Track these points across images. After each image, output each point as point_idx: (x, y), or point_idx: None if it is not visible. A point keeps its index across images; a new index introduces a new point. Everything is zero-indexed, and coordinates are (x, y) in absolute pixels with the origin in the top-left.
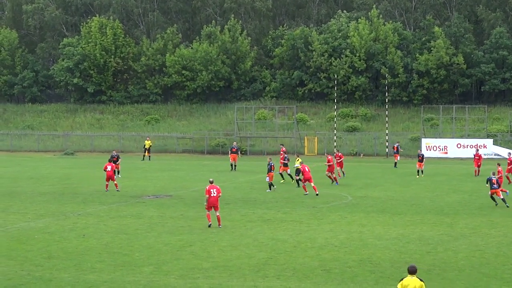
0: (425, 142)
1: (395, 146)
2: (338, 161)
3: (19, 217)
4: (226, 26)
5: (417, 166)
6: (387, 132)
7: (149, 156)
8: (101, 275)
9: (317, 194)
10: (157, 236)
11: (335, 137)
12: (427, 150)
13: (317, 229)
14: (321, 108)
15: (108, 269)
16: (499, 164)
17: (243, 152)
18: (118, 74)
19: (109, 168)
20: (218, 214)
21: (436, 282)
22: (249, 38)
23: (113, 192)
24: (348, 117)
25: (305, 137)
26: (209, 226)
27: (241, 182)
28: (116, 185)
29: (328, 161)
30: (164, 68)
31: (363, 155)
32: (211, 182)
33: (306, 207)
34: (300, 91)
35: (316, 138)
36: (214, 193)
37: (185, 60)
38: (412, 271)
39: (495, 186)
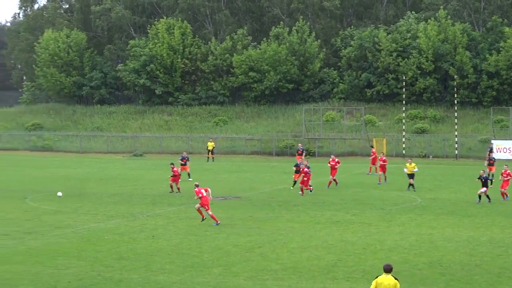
0: (495, 144)
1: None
2: (382, 164)
3: (89, 218)
4: (294, 28)
5: (487, 170)
6: (456, 134)
7: (213, 158)
8: (170, 276)
9: None
10: (226, 238)
11: (403, 138)
12: (497, 152)
13: (386, 231)
14: (390, 110)
15: (178, 270)
16: (506, 166)
17: (311, 153)
18: (186, 75)
19: (176, 170)
20: (211, 213)
21: (507, 285)
22: (318, 40)
23: (181, 194)
24: (416, 118)
25: (374, 139)
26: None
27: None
28: (178, 188)
29: (334, 162)
30: (231, 69)
31: (432, 156)
32: (197, 186)
33: (375, 209)
34: (369, 92)
35: (384, 139)
36: (205, 193)
37: (253, 61)
38: (387, 269)
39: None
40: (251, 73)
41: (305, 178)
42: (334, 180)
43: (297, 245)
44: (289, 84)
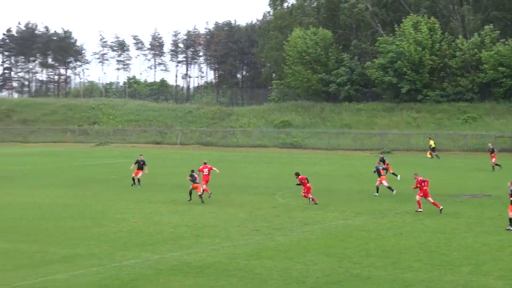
0: None
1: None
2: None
3: (337, 214)
4: None
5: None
6: None
7: (436, 155)
8: (418, 274)
9: None
10: (475, 236)
11: None
12: None
13: None
14: None
15: (426, 268)
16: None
17: None
18: (434, 72)
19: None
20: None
21: None
22: None
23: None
24: None
25: None
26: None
27: None
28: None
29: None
30: (480, 65)
31: None
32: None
33: None
34: None
35: None
36: (206, 172)
37: (503, 57)
38: None
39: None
40: (500, 68)
41: None
42: None
43: None
44: None
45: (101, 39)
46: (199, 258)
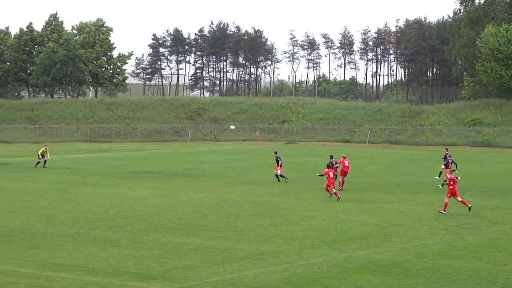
0: None
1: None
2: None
3: None
4: None
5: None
6: None
7: None
8: None
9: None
10: None
11: None
12: None
13: None
14: None
15: None
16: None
17: None
18: None
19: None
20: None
21: None
22: None
23: None
24: None
25: None
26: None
27: None
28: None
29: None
30: None
31: None
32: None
33: None
34: None
35: None
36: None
37: None
38: None
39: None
40: None
41: None
42: None
43: None
44: None
45: (291, 38)
46: (387, 257)
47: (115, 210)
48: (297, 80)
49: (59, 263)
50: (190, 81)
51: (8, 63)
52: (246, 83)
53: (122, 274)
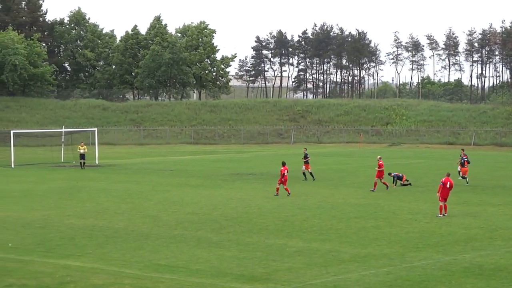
0: None
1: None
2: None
3: None
4: None
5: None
6: None
7: None
8: None
9: None
10: None
11: None
12: None
13: None
14: None
15: None
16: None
17: None
18: None
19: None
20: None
21: None
22: None
23: None
24: None
25: None
26: None
27: None
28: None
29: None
30: None
31: None
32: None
33: None
34: None
35: None
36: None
37: None
38: None
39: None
40: None
41: None
42: None
43: None
44: None
45: (395, 40)
46: (492, 261)
47: (218, 211)
48: (401, 82)
49: (163, 264)
50: (293, 83)
51: (113, 66)
52: (350, 85)
53: (225, 276)
